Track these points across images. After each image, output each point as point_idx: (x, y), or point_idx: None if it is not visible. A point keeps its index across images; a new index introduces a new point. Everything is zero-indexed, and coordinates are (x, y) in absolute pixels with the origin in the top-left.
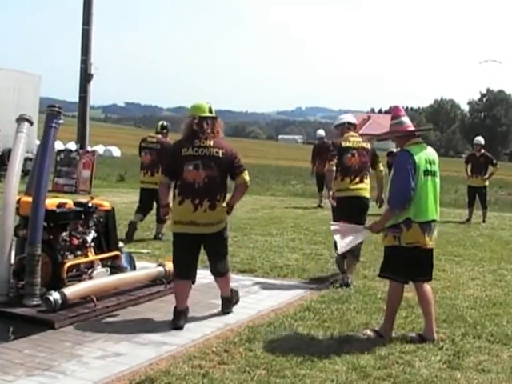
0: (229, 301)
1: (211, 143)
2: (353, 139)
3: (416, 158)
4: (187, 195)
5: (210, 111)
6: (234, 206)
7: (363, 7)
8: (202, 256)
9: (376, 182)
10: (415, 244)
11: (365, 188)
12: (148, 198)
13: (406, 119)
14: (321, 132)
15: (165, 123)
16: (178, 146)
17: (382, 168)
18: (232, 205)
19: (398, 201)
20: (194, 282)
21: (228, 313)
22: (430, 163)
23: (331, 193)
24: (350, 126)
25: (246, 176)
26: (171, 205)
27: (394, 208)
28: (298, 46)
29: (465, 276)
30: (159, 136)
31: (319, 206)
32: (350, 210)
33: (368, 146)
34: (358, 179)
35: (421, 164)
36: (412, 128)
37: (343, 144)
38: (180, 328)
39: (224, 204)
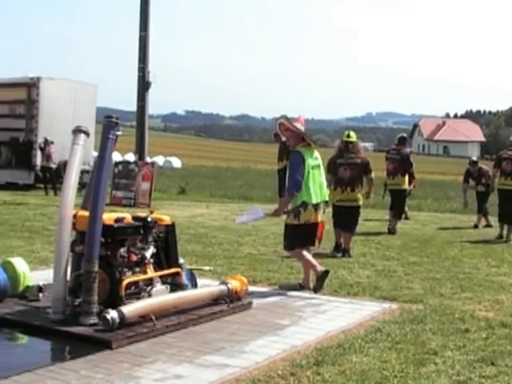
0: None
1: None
2: None
3: (304, 156)
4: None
5: (349, 136)
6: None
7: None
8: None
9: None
10: (310, 221)
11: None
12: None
13: (300, 126)
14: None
15: (404, 135)
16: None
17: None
18: (369, 192)
19: (292, 189)
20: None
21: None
22: (316, 159)
23: None
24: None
25: (372, 174)
26: None
27: (289, 195)
28: (365, 49)
29: None
30: (399, 147)
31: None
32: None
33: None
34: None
35: (308, 161)
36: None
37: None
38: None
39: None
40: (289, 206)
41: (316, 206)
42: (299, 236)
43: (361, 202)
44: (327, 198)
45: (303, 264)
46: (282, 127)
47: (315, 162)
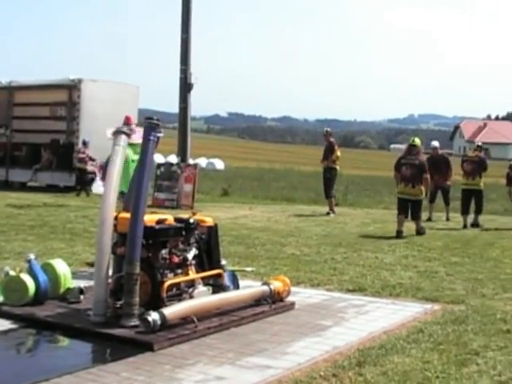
0: (418, 232)
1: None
2: None
3: (127, 152)
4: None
5: (413, 141)
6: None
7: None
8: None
9: None
10: None
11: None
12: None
13: (134, 127)
14: (435, 143)
15: (479, 143)
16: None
17: None
18: (426, 188)
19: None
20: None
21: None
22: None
23: None
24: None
25: (427, 174)
26: None
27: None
28: (407, 49)
29: None
30: (476, 152)
31: (429, 220)
32: None
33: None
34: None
35: (129, 156)
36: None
37: None
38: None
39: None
40: None
41: None
42: None
43: (422, 197)
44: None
45: None
46: None
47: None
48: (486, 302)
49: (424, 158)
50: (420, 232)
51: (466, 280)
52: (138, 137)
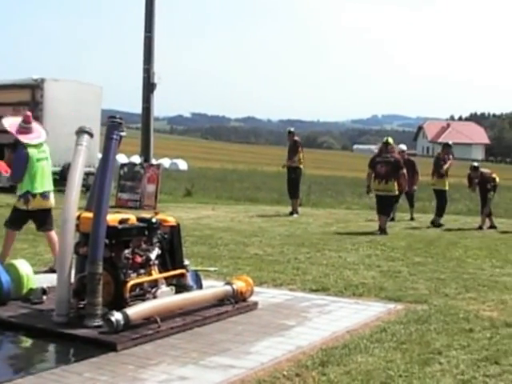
0: (380, 229)
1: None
2: None
3: (29, 151)
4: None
5: (387, 140)
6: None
7: (436, 5)
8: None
9: None
10: (41, 207)
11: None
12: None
13: (33, 125)
14: (402, 146)
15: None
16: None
17: None
18: (404, 183)
19: (14, 179)
20: None
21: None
22: (43, 152)
23: None
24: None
25: (403, 170)
26: None
27: (13, 183)
28: (370, 50)
29: None
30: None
31: (392, 219)
32: None
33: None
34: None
35: (33, 155)
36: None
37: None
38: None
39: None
40: None
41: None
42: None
43: (395, 192)
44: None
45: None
46: None
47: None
48: (449, 301)
49: (398, 155)
50: (382, 229)
51: (429, 280)
52: (35, 136)
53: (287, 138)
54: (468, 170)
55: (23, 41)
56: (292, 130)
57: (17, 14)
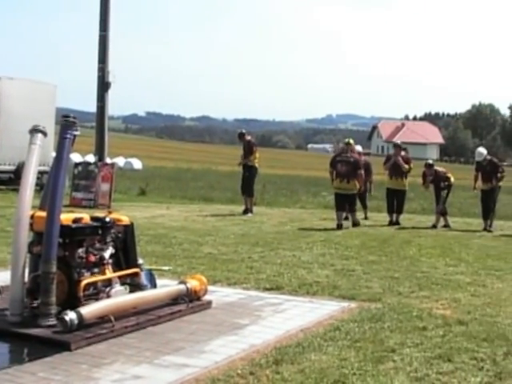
0: (354, 224)
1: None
2: None
3: None
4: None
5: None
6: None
7: (393, 7)
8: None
9: None
10: None
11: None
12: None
13: None
14: (358, 147)
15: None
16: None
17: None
18: (360, 183)
19: None
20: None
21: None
22: None
23: None
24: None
25: (361, 170)
26: None
27: None
28: (327, 50)
29: (506, 291)
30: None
31: (346, 218)
32: None
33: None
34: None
35: None
36: None
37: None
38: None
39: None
40: None
41: None
42: None
43: (355, 191)
44: None
45: None
46: None
47: None
48: (403, 299)
49: (357, 155)
50: (356, 223)
51: (383, 278)
52: None
53: (239, 140)
54: (423, 169)
55: None
56: (243, 131)
57: None
